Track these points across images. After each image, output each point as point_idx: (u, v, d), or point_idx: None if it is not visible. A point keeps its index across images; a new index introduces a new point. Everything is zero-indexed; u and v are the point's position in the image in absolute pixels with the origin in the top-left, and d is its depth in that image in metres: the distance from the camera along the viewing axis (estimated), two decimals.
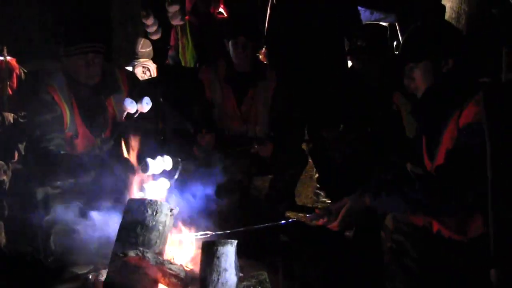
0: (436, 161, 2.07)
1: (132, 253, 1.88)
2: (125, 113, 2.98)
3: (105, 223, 2.50)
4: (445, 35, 2.12)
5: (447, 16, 5.20)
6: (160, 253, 2.03)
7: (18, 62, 3.98)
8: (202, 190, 2.64)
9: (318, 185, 4.29)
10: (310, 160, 4.34)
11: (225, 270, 1.90)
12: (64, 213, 2.74)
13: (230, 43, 3.50)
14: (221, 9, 4.84)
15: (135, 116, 2.97)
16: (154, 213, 2.03)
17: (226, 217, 2.67)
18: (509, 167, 1.75)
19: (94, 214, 2.58)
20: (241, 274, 2.02)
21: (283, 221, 2.25)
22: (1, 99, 3.67)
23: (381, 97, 3.28)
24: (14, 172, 3.22)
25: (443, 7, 5.29)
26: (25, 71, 4.02)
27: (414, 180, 2.24)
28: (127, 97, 3.16)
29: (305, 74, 3.89)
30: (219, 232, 2.15)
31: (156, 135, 3.45)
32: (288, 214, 3.76)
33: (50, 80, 3.05)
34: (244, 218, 3.04)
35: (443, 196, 1.92)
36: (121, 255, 1.88)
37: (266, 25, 4.19)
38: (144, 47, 5.89)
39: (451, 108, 2.02)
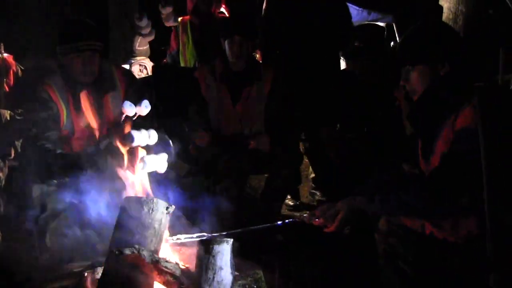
0: (431, 164, 2.07)
1: (127, 251, 1.87)
2: (123, 116, 2.98)
3: (101, 220, 2.50)
4: (442, 38, 2.12)
5: (444, 16, 5.21)
6: (156, 251, 2.03)
7: (15, 59, 3.98)
8: (197, 189, 2.64)
9: (313, 185, 4.30)
10: (306, 160, 4.36)
11: (221, 268, 1.90)
12: (59, 210, 2.74)
13: (226, 42, 3.50)
14: (222, 9, 4.85)
15: (134, 119, 2.97)
16: (150, 211, 2.03)
17: (222, 216, 2.67)
18: (505, 171, 1.76)
19: (90, 212, 2.58)
20: (236, 273, 2.02)
21: (279, 222, 2.25)
22: None
23: (380, 97, 3.29)
24: (10, 169, 3.22)
25: (441, 7, 5.30)
26: (22, 68, 4.02)
27: (408, 181, 2.24)
28: (124, 95, 3.17)
29: (304, 72, 3.89)
30: (215, 234, 2.14)
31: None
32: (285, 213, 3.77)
33: (47, 78, 3.05)
34: (240, 217, 3.05)
35: (437, 199, 1.92)
36: (116, 252, 1.87)
37: (262, 21, 4.18)
38: (141, 45, 5.91)
39: (447, 111, 2.02)
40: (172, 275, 1.92)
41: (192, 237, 2.10)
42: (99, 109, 3.13)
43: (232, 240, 1.96)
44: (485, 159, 1.75)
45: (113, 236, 2.06)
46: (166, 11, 5.25)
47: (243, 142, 3.40)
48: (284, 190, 3.68)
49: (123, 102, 3.06)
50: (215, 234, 2.01)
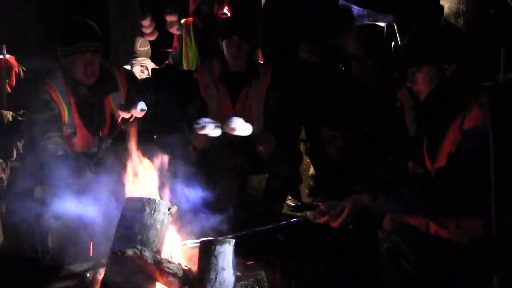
0: (437, 163, 2.07)
1: (130, 252, 1.88)
2: (120, 118, 2.99)
3: (103, 221, 2.51)
4: (447, 37, 2.11)
5: (445, 16, 5.21)
6: (158, 252, 2.04)
7: (17, 60, 3.99)
8: (198, 190, 2.64)
9: (312, 184, 4.30)
10: (308, 160, 4.36)
11: (223, 269, 1.90)
12: (61, 211, 2.74)
13: (224, 42, 3.50)
14: (225, 10, 4.85)
15: (130, 120, 2.97)
16: (152, 212, 2.03)
17: (223, 217, 2.67)
18: None
19: (92, 212, 2.59)
20: (238, 273, 2.03)
21: (284, 222, 2.25)
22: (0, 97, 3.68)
23: (381, 97, 3.29)
24: (12, 170, 3.23)
25: (442, 7, 5.30)
26: (24, 69, 4.03)
27: (412, 180, 2.24)
28: (125, 96, 3.18)
29: (304, 71, 3.89)
30: (219, 238, 2.14)
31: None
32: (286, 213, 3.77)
33: (49, 79, 3.06)
34: (241, 217, 3.05)
35: (443, 199, 1.92)
36: (119, 253, 1.88)
37: (261, 18, 4.19)
38: (142, 45, 5.90)
39: (454, 111, 2.01)
40: (174, 275, 1.92)
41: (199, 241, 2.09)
42: (100, 110, 3.13)
43: (234, 240, 1.96)
44: (494, 159, 1.74)
45: (115, 236, 2.06)
46: (171, 18, 5.23)
47: (250, 147, 3.39)
48: (285, 190, 3.68)
49: (124, 102, 3.09)
50: (220, 238, 2.00)
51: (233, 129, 3.11)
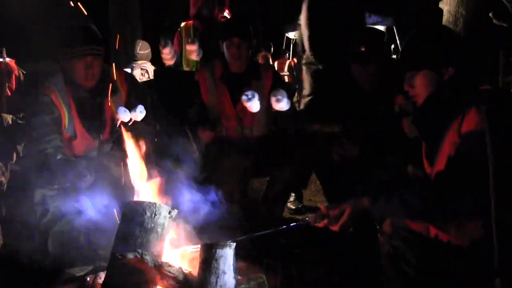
0: (436, 167, 2.07)
1: (130, 255, 1.87)
2: (119, 122, 2.99)
3: (103, 224, 2.50)
4: (445, 42, 2.11)
5: (444, 19, 5.21)
6: (159, 255, 2.04)
7: (17, 63, 3.98)
8: (201, 193, 2.64)
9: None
10: None
11: (224, 272, 1.90)
12: (61, 214, 2.74)
13: (224, 43, 3.52)
14: (226, 14, 4.86)
15: (129, 124, 2.98)
16: (153, 215, 2.03)
17: (226, 220, 2.67)
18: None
19: (92, 216, 2.58)
20: (239, 277, 2.02)
21: (284, 226, 2.25)
22: (0, 100, 3.67)
23: (380, 99, 3.29)
24: (12, 173, 3.22)
25: (441, 10, 5.29)
26: (24, 72, 4.02)
27: (412, 182, 2.24)
28: (125, 99, 3.18)
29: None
30: (222, 243, 2.13)
31: (154, 137, 3.45)
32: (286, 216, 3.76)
33: (49, 82, 3.06)
34: (242, 220, 3.05)
35: (443, 202, 1.92)
36: (119, 257, 1.88)
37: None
38: (142, 49, 5.89)
39: (452, 114, 2.02)
40: (175, 279, 1.92)
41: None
42: (100, 113, 3.13)
43: (235, 244, 1.96)
44: (492, 162, 1.74)
45: (116, 240, 2.06)
46: (166, 51, 4.98)
47: (252, 150, 3.41)
48: (286, 194, 3.68)
49: (124, 105, 3.09)
50: (220, 243, 2.00)
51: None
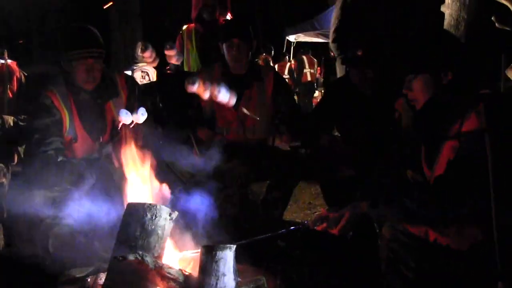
0: (436, 171, 2.07)
1: (131, 257, 1.88)
2: (121, 124, 2.99)
3: (104, 226, 2.51)
4: (444, 46, 2.11)
5: (446, 23, 5.20)
6: (159, 257, 2.04)
7: (18, 65, 4.00)
8: (201, 196, 2.65)
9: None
10: None
11: (224, 274, 1.90)
12: (62, 216, 2.74)
13: (224, 45, 3.52)
14: (228, 17, 4.86)
15: (131, 126, 2.98)
16: (154, 217, 2.03)
17: (224, 222, 2.68)
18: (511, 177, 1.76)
19: (93, 217, 2.59)
20: (239, 279, 2.03)
21: (283, 230, 2.25)
22: (1, 102, 3.68)
23: (380, 102, 3.29)
24: (14, 175, 3.23)
25: (442, 14, 5.28)
26: (26, 74, 4.03)
27: (411, 186, 2.24)
28: (126, 101, 3.19)
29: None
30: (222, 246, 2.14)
31: (155, 139, 3.45)
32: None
33: (50, 84, 3.07)
34: (242, 223, 3.05)
35: (442, 206, 1.92)
36: (120, 258, 1.88)
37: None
38: (147, 54, 5.89)
39: (451, 119, 2.02)
40: (175, 281, 1.92)
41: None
42: (101, 115, 3.14)
43: (235, 246, 1.96)
44: (491, 166, 1.75)
45: (116, 242, 2.06)
46: (169, 53, 5.02)
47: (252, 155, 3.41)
48: (285, 197, 3.68)
49: (125, 108, 3.10)
50: (220, 245, 2.00)
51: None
